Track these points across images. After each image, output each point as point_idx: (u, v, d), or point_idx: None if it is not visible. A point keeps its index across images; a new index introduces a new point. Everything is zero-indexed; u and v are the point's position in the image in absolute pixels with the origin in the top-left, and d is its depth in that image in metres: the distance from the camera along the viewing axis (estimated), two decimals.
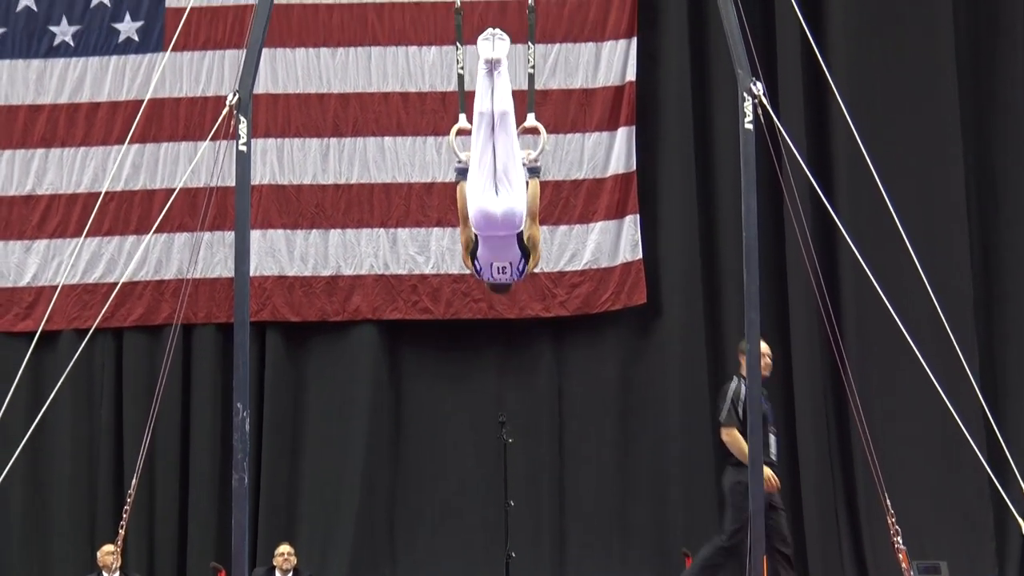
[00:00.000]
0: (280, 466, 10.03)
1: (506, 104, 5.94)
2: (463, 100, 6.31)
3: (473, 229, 6.16)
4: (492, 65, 5.93)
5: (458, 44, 6.46)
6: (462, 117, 6.32)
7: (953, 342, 6.89)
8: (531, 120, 6.46)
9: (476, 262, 6.28)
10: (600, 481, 10.03)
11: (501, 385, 10.13)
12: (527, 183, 6.20)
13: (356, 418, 10.04)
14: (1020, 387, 9.92)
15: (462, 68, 6.42)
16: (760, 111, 6.28)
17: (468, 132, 6.25)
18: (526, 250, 6.22)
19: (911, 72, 10.05)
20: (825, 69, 7.83)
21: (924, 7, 10.02)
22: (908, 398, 9.53)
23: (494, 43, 5.92)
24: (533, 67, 6.65)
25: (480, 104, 5.97)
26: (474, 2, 9.99)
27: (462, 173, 6.28)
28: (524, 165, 6.31)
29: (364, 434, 10.00)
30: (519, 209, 6.12)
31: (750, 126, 6.25)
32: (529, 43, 6.67)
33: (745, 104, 6.25)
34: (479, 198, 6.08)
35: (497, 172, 6.04)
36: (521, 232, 6.18)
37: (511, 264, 6.26)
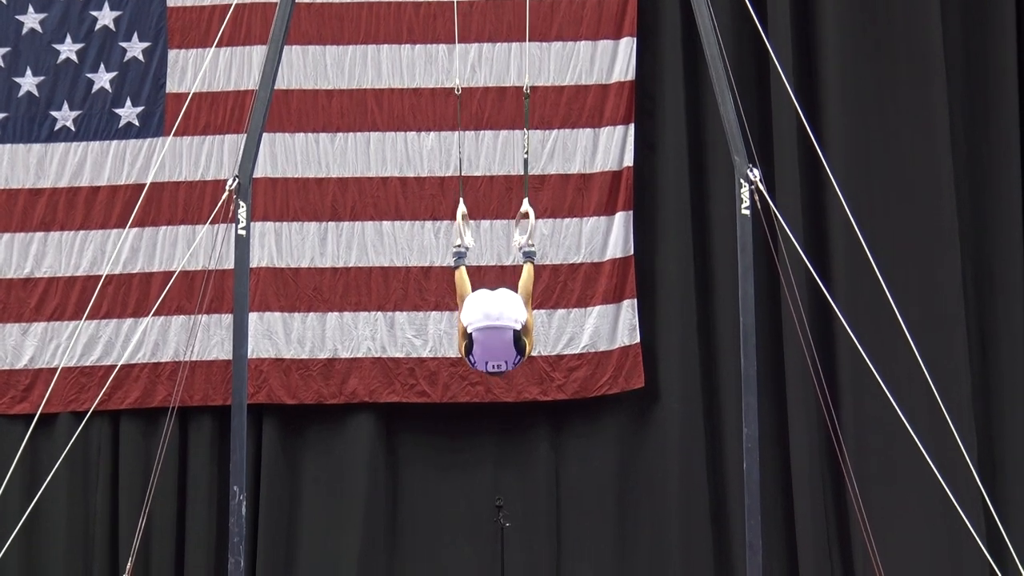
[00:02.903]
0: (276, 550, 9.96)
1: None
2: (462, 185, 6.38)
3: (468, 326, 6.23)
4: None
5: (458, 129, 6.55)
6: (461, 202, 6.38)
7: (952, 428, 6.89)
8: (524, 205, 6.53)
9: (471, 357, 6.33)
10: (598, 566, 9.96)
11: (498, 469, 10.09)
12: (523, 269, 6.29)
13: (352, 502, 9.98)
14: (1018, 471, 9.89)
15: (461, 151, 6.51)
16: (757, 197, 6.33)
17: (467, 217, 6.31)
18: (521, 346, 6.26)
19: (908, 155, 10.10)
20: (822, 158, 7.87)
21: (920, 89, 10.09)
22: (906, 484, 9.49)
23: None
24: (527, 152, 6.73)
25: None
26: (473, 88, 10.08)
27: (460, 257, 6.34)
28: (519, 249, 6.39)
29: (360, 518, 9.94)
30: (515, 299, 6.21)
31: (747, 212, 6.31)
32: (524, 129, 6.75)
33: (742, 190, 6.30)
34: (478, 308, 6.16)
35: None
36: (517, 330, 6.24)
37: (506, 362, 6.32)
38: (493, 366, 6.29)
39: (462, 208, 6.55)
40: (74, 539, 10.02)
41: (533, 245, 6.70)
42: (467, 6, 10.20)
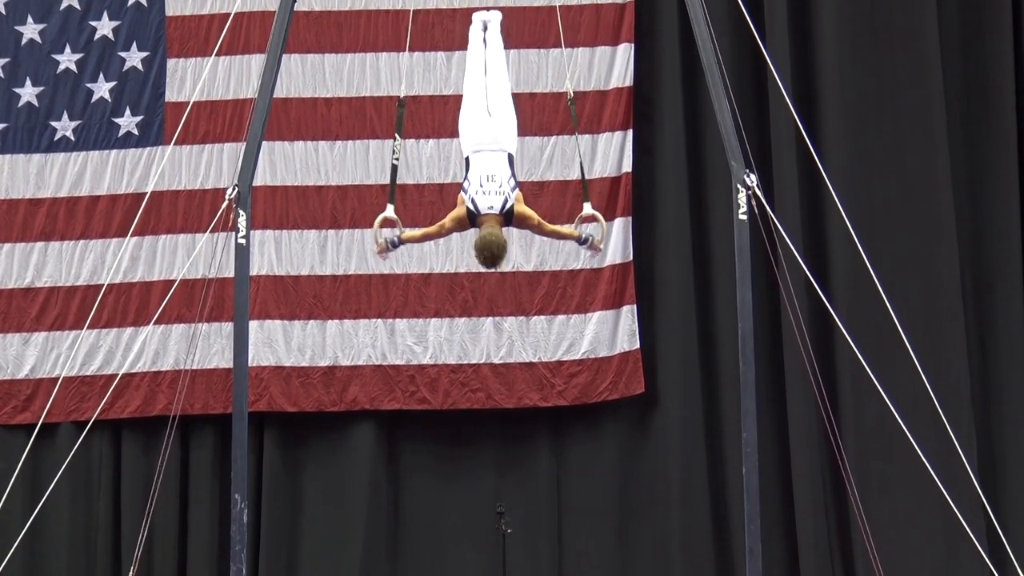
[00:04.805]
0: (278, 558, 9.97)
1: (496, 28, 6.79)
2: (393, 191, 6.62)
3: (465, 151, 6.69)
4: (486, 21, 6.82)
5: (396, 136, 6.81)
6: (390, 207, 6.62)
7: (951, 435, 6.90)
8: (588, 209, 6.73)
9: (465, 181, 6.65)
10: (600, 572, 9.97)
11: (499, 475, 10.10)
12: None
13: (354, 510, 9.99)
14: (1018, 477, 9.89)
15: (396, 159, 6.76)
16: (754, 202, 6.35)
17: (393, 223, 6.60)
18: (513, 177, 6.65)
19: (906, 159, 10.11)
20: (819, 163, 7.89)
21: (917, 92, 10.10)
22: (907, 489, 9.48)
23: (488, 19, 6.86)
24: (582, 155, 6.92)
25: (475, 32, 6.73)
26: None
27: (393, 245, 6.69)
28: (578, 240, 6.67)
29: (362, 526, 9.95)
30: (511, 124, 6.66)
31: (744, 217, 6.33)
32: (575, 134, 6.95)
33: (739, 196, 6.32)
34: (473, 119, 6.62)
35: (489, 95, 6.58)
36: (511, 154, 6.69)
37: (500, 178, 6.54)
38: (487, 177, 6.52)
39: (383, 214, 7.01)
40: (76, 549, 10.03)
41: (592, 237, 6.94)
42: (464, 13, 10.20)
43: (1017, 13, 10.25)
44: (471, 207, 6.67)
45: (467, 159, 6.87)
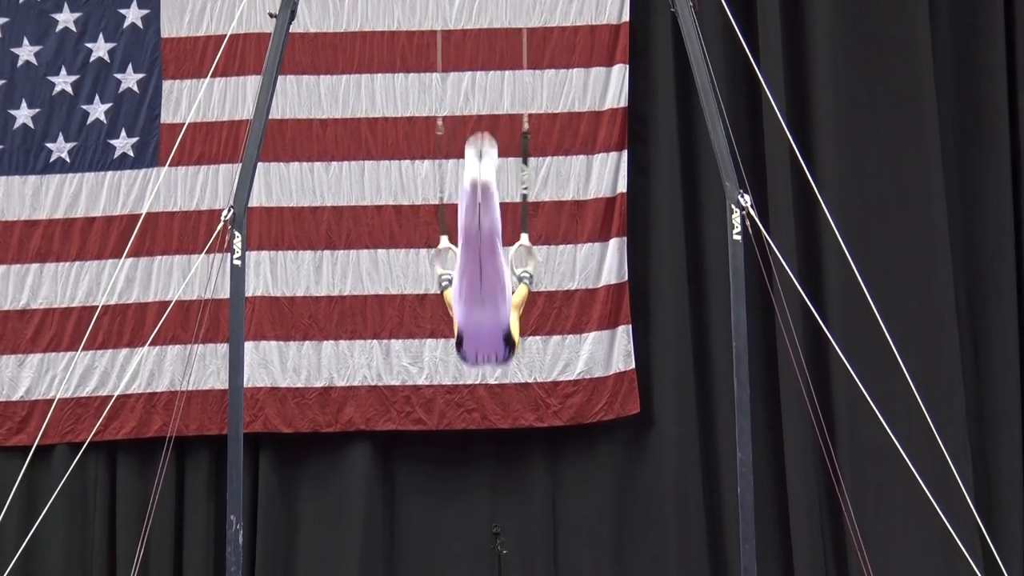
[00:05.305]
0: None
1: (495, 225, 5.77)
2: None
3: (457, 328, 6.25)
4: (480, 189, 5.58)
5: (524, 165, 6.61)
6: (444, 239, 6.45)
7: (944, 452, 6.92)
8: (524, 239, 6.57)
9: (462, 351, 6.36)
10: None
11: (495, 495, 10.09)
12: (514, 289, 6.25)
13: (350, 531, 9.98)
14: (1013, 496, 9.89)
15: (526, 188, 6.57)
16: (748, 222, 6.37)
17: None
18: (511, 343, 6.25)
19: (900, 177, 10.14)
20: (813, 182, 7.92)
21: (911, 110, 10.13)
22: (902, 507, 9.49)
23: (482, 157, 5.57)
24: (527, 188, 6.79)
25: (467, 223, 5.72)
26: (465, 116, 10.12)
27: (448, 282, 6.40)
28: (515, 275, 6.41)
29: (357, 547, 9.93)
30: (504, 319, 6.17)
31: (738, 237, 6.35)
32: (523, 165, 6.80)
33: (733, 216, 6.34)
34: (463, 307, 6.14)
35: (484, 286, 5.97)
36: (508, 330, 6.23)
37: (496, 354, 6.34)
38: (484, 356, 6.31)
39: (441, 246, 6.65)
40: (72, 571, 10.01)
41: (529, 272, 6.73)
42: (460, 34, 10.25)
43: (1010, 36, 10.29)
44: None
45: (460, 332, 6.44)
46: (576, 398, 10.02)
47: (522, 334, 9.80)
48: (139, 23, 10.36)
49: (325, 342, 10.11)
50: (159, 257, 10.19)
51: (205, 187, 10.24)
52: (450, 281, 6.38)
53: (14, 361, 10.15)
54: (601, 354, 10.04)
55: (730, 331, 6.76)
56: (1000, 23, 10.26)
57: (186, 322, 9.84)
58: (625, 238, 10.13)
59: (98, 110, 10.33)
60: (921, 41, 10.14)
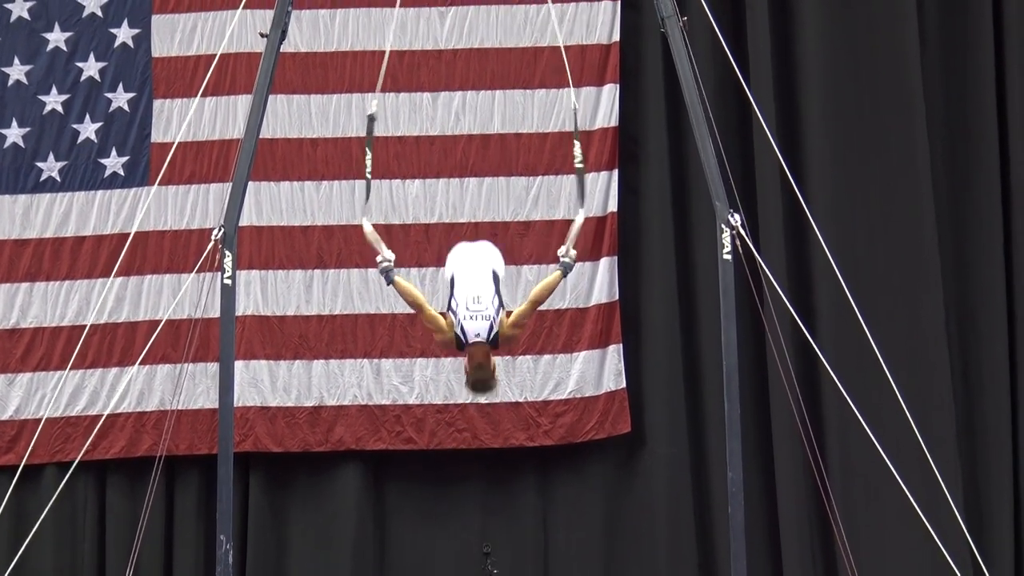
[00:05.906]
0: None
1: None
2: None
3: (448, 272, 6.57)
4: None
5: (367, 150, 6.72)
6: (365, 221, 6.56)
7: (935, 470, 6.92)
8: (580, 218, 6.61)
9: (452, 301, 6.46)
10: None
11: (485, 515, 10.08)
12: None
13: (340, 550, 9.96)
14: (1003, 514, 9.90)
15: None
16: (738, 242, 6.38)
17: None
18: (499, 296, 6.41)
19: (890, 196, 10.17)
20: (803, 202, 7.94)
21: (901, 130, 10.16)
22: (893, 526, 9.49)
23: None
24: (581, 162, 6.81)
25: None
26: (457, 135, 10.14)
27: (389, 272, 6.47)
28: (559, 256, 6.51)
29: (348, 567, 9.91)
30: (496, 252, 6.57)
31: (729, 257, 6.36)
32: (575, 141, 6.79)
33: (723, 235, 6.35)
34: (455, 252, 6.64)
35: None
36: (496, 273, 6.46)
37: (486, 299, 6.40)
38: (474, 299, 6.41)
39: (367, 226, 6.74)
40: None
41: (571, 257, 6.72)
42: (451, 54, 10.27)
43: (999, 54, 10.33)
44: (460, 334, 6.55)
45: (451, 279, 6.72)
46: (567, 417, 10.02)
47: (512, 354, 9.87)
48: (130, 42, 10.37)
49: (315, 361, 10.10)
50: (149, 276, 10.18)
51: (195, 206, 10.24)
52: (390, 269, 6.48)
53: (3, 380, 10.12)
54: (592, 373, 10.04)
55: (720, 350, 6.77)
56: (989, 41, 10.31)
57: (176, 341, 9.82)
58: (616, 257, 10.14)
59: (88, 129, 10.33)
60: (910, 58, 10.18)
